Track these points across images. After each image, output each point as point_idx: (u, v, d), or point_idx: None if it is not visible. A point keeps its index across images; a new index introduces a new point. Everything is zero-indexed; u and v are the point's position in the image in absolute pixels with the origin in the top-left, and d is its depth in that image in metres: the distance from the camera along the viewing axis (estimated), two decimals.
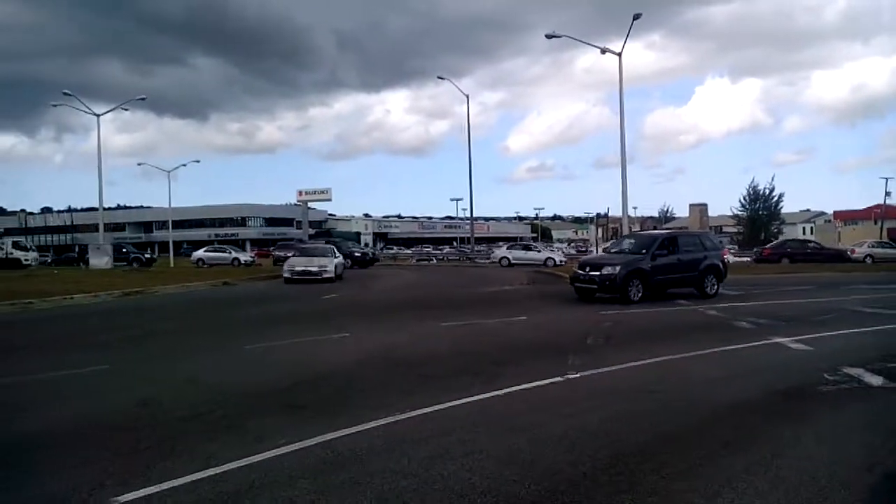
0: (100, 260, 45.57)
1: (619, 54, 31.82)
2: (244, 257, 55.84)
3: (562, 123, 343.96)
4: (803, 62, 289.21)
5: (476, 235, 72.76)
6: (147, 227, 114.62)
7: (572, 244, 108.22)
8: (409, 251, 79.17)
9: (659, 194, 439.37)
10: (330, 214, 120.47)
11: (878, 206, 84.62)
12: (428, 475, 5.03)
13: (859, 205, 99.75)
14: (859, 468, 5.30)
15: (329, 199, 71.26)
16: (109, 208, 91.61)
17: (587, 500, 4.61)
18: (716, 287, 20.31)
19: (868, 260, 43.88)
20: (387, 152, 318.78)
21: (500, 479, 4.95)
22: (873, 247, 47.30)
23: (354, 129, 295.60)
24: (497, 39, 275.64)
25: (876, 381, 8.30)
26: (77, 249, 66.34)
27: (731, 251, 48.00)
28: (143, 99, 54.54)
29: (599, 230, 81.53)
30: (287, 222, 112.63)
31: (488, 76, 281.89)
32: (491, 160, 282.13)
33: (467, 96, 60.86)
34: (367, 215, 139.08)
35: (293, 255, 34.67)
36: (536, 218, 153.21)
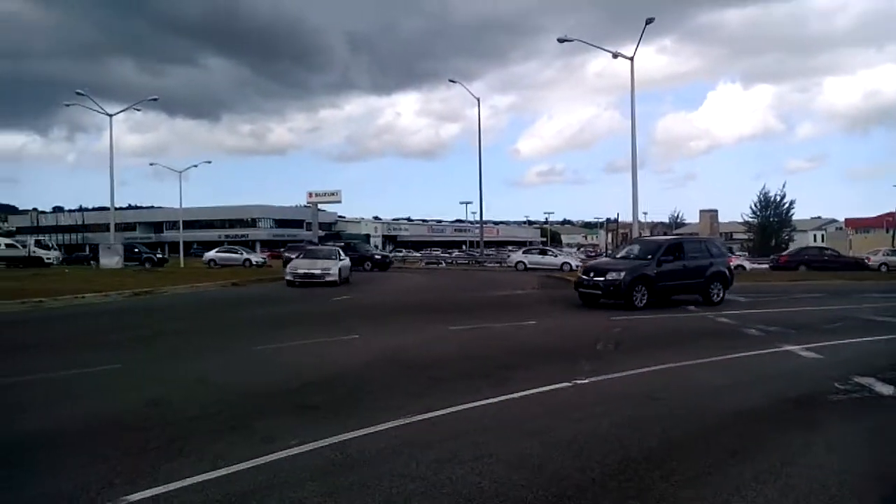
0: (110, 259, 45.79)
1: (631, 59, 31.77)
2: (255, 258, 56.03)
3: (572, 127, 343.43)
4: (816, 68, 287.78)
5: (485, 239, 72.75)
6: (157, 227, 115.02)
7: (581, 249, 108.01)
8: (418, 254, 79.15)
9: (669, 200, 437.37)
10: (340, 216, 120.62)
11: (889, 214, 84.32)
12: (436, 478, 5.03)
13: (871, 213, 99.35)
14: (870, 477, 5.27)
15: (339, 202, 71.75)
16: (120, 208, 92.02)
17: None
18: (721, 294, 20.16)
19: (883, 268, 43.75)
20: (397, 155, 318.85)
21: (508, 483, 4.95)
22: (888, 255, 47.13)
23: (365, 132, 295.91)
24: (508, 43, 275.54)
25: (887, 390, 8.24)
26: (88, 249, 66.74)
27: (742, 257, 47.92)
28: (155, 99, 54.79)
29: (609, 235, 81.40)
30: (297, 224, 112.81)
31: (499, 79, 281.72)
32: (501, 164, 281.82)
33: (478, 99, 61.11)
34: (376, 218, 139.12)
35: (297, 257, 33.79)
36: (546, 222, 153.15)
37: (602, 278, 18.87)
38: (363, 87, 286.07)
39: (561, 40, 33.42)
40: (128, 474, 5.14)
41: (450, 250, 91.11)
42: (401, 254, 74.98)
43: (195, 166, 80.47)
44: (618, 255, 22.69)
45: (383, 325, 15.32)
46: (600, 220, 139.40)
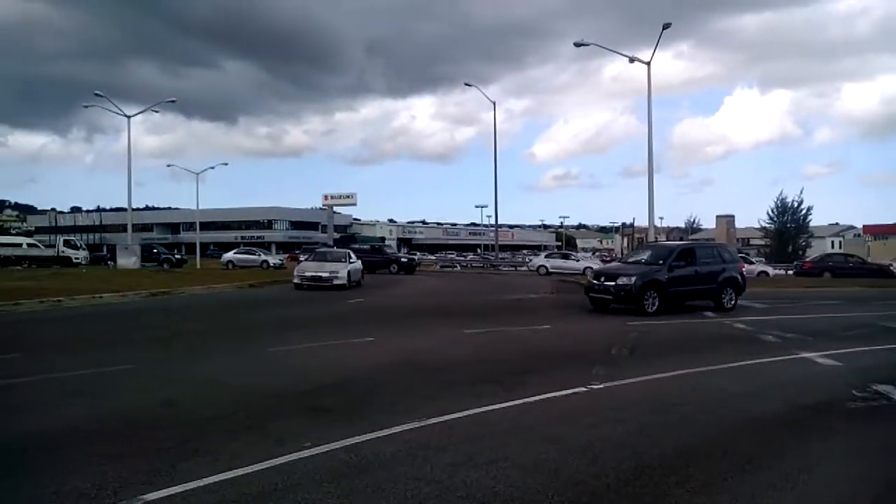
0: (127, 260, 46.09)
1: (648, 63, 31.66)
2: (273, 260, 56.20)
3: (588, 132, 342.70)
4: (835, 74, 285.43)
5: (500, 243, 72.72)
6: (174, 228, 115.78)
7: (597, 253, 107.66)
8: (432, 257, 79.23)
9: (685, 205, 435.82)
10: (355, 219, 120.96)
11: None
12: (451, 482, 5.03)
13: (890, 219, 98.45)
14: (888, 486, 5.23)
15: (354, 204, 72.06)
16: (138, 209, 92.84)
17: None
18: (734, 300, 19.96)
19: None
20: (412, 158, 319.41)
21: (523, 488, 4.94)
22: None
23: (380, 135, 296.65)
24: (524, 47, 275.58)
25: None
26: (105, 249, 67.29)
27: (760, 263, 47.60)
28: (173, 101, 55.00)
29: (625, 240, 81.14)
30: (312, 226, 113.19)
31: (515, 83, 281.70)
32: (516, 168, 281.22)
33: (494, 103, 60.85)
34: (391, 220, 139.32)
35: (305, 260, 33.08)
36: (561, 226, 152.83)
37: (613, 283, 18.70)
38: (379, 90, 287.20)
39: (577, 44, 33.31)
40: (144, 473, 5.18)
41: (464, 253, 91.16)
42: (415, 257, 75.08)
43: (212, 168, 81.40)
44: (629, 261, 22.56)
45: (398, 327, 15.33)
46: (616, 225, 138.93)
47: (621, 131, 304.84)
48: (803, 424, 7.07)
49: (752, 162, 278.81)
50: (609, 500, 4.78)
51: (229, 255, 56.97)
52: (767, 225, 78.69)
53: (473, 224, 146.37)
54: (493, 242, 76.84)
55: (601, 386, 8.64)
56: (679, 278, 18.99)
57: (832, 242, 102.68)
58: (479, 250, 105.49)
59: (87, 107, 53.31)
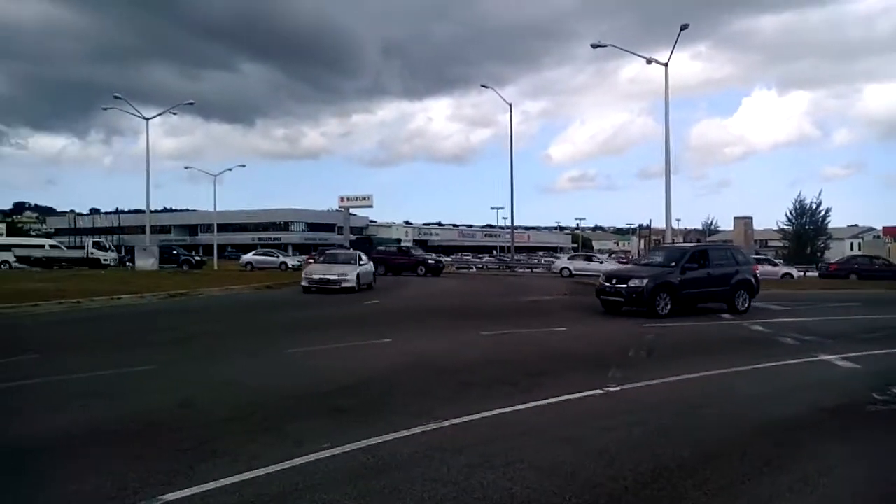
0: (145, 261, 46.43)
1: (666, 65, 31.55)
2: (291, 261, 56.36)
3: (605, 133, 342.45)
4: (854, 74, 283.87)
5: (516, 244, 72.64)
6: (192, 229, 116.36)
7: (613, 255, 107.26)
8: (448, 259, 79.25)
9: (703, 206, 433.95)
10: (371, 221, 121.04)
11: None
12: (468, 484, 5.03)
13: None
14: None
15: (370, 206, 71.89)
16: (156, 211, 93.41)
17: None
18: (747, 303, 19.78)
19: None
20: (428, 160, 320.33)
21: (540, 490, 4.94)
22: None
23: (396, 136, 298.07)
24: (541, 48, 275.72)
25: None
26: (124, 251, 67.76)
27: (780, 264, 47.14)
28: (191, 103, 55.28)
29: (642, 242, 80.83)
30: (329, 228, 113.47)
31: (531, 85, 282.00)
32: (532, 169, 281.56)
33: (510, 105, 60.88)
34: (407, 222, 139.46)
35: (314, 262, 32.25)
36: (577, 228, 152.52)
37: (624, 285, 18.58)
38: (395, 91, 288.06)
39: (595, 46, 33.22)
40: (164, 474, 5.22)
41: (480, 255, 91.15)
42: (441, 259, 75.06)
43: (230, 170, 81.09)
44: (641, 263, 22.41)
45: (414, 329, 15.36)
46: (632, 227, 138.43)
47: (638, 132, 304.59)
48: (822, 427, 7.04)
49: (770, 163, 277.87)
50: (626, 502, 4.77)
51: (248, 256, 57.29)
52: (785, 227, 78.12)
53: (489, 226, 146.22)
54: (508, 244, 76.70)
55: (618, 388, 8.62)
56: (691, 280, 18.85)
57: (851, 244, 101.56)
58: (494, 252, 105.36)
59: (106, 109, 53.85)
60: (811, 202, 75.78)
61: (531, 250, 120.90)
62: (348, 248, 40.23)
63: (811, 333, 14.35)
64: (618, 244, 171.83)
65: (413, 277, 41.66)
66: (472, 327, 15.31)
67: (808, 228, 75.59)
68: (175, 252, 56.75)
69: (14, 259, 48.12)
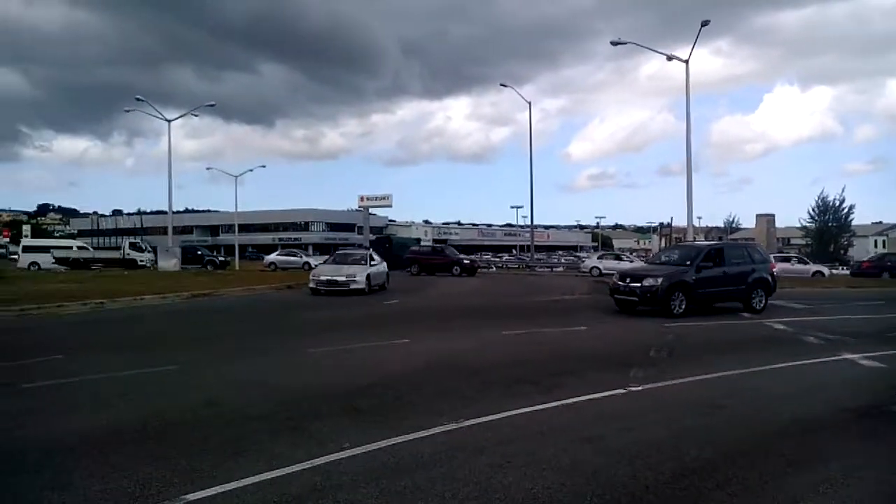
0: (168, 262, 46.77)
1: (686, 61, 31.38)
2: (314, 262, 56.48)
3: (625, 131, 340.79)
4: (878, 69, 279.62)
5: (536, 243, 72.45)
6: (214, 230, 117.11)
7: (634, 254, 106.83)
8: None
9: (724, 204, 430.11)
10: (390, 220, 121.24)
11: None
12: (489, 483, 5.04)
13: None
14: None
15: (389, 206, 71.90)
16: (178, 212, 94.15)
17: None
18: (764, 301, 19.53)
19: None
20: (447, 159, 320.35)
21: (561, 490, 4.94)
22: None
23: (416, 136, 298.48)
24: (560, 46, 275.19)
25: None
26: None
27: (804, 262, 46.56)
28: (212, 105, 55.58)
29: (662, 240, 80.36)
30: (349, 227, 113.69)
31: (550, 83, 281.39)
32: (552, 167, 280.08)
33: (529, 103, 60.55)
34: (426, 222, 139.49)
35: (323, 263, 31.48)
36: (597, 226, 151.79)
37: (638, 285, 18.42)
38: (414, 91, 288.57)
39: (614, 43, 33.11)
40: (187, 473, 5.27)
41: (500, 254, 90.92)
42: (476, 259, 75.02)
43: (250, 171, 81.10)
44: (656, 262, 22.25)
45: (434, 329, 15.39)
46: (653, 225, 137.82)
47: (658, 130, 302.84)
48: (846, 427, 6.98)
49: (793, 160, 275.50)
50: (648, 502, 4.76)
51: (272, 256, 57.60)
52: (808, 224, 77.47)
53: (509, 225, 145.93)
54: (528, 243, 76.57)
55: (640, 388, 8.59)
56: (707, 279, 18.64)
57: (875, 241, 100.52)
58: (514, 251, 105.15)
59: (128, 111, 54.42)
60: (834, 199, 75.23)
61: (551, 249, 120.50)
62: (368, 248, 40.20)
63: (834, 332, 14.22)
64: (638, 242, 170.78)
65: (438, 278, 41.06)
66: (492, 327, 15.31)
67: (831, 226, 74.94)
68: (200, 252, 57.13)
69: (52, 261, 48.77)
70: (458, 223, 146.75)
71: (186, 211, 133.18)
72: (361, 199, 69.87)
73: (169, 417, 7.10)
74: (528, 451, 5.81)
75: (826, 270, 45.49)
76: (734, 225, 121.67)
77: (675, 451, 5.87)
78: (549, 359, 11.12)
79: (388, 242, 61.73)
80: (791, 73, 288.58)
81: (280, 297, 26.78)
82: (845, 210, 75.16)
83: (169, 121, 50.94)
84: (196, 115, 58.16)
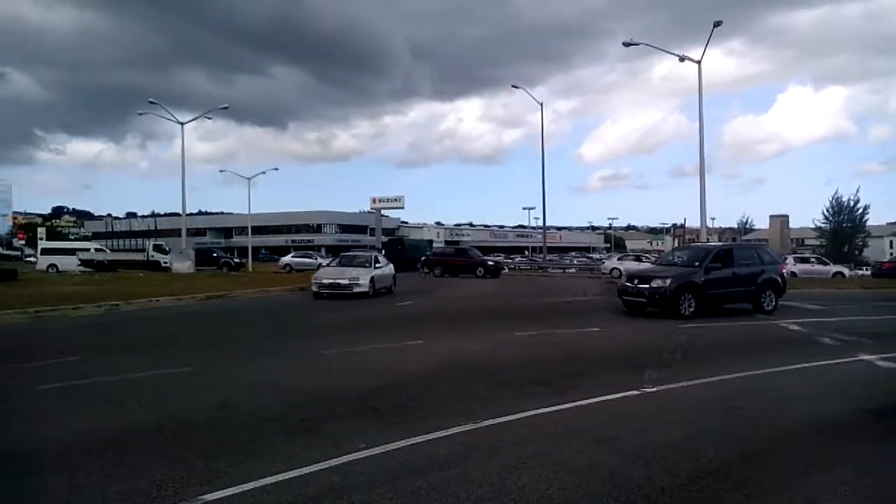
0: (182, 264, 46.90)
1: (699, 62, 31.24)
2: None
3: (637, 132, 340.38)
4: (893, 69, 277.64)
5: (548, 245, 72.36)
6: (227, 232, 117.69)
7: (651, 255, 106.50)
8: None
9: (737, 205, 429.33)
10: (402, 222, 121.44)
11: None
12: (504, 485, 5.04)
13: None
14: None
15: (402, 207, 72.13)
16: (191, 214, 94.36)
17: None
18: (774, 303, 19.38)
19: None
20: (459, 160, 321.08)
21: (576, 491, 4.93)
22: None
23: (427, 138, 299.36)
24: (571, 47, 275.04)
25: None
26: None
27: (826, 263, 46.14)
28: (226, 108, 55.87)
29: (676, 241, 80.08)
30: (361, 229, 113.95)
31: (562, 84, 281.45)
32: (564, 169, 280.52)
33: (541, 104, 60.44)
34: (438, 223, 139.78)
35: (327, 265, 30.93)
36: (610, 228, 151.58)
37: (647, 286, 18.35)
38: (426, 93, 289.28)
39: (626, 44, 33.01)
40: (203, 474, 5.29)
41: (512, 256, 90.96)
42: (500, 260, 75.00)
43: (263, 173, 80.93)
44: (664, 263, 22.17)
45: (448, 330, 15.38)
46: (666, 226, 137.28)
47: (671, 130, 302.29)
48: (864, 428, 6.93)
49: (806, 160, 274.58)
50: None
51: (287, 258, 57.85)
52: (822, 225, 77.03)
53: (521, 226, 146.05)
54: (540, 244, 76.48)
55: (654, 389, 8.56)
56: (716, 280, 18.51)
57: (891, 241, 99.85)
58: (526, 252, 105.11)
59: (141, 114, 54.35)
60: (849, 199, 74.80)
61: (563, 250, 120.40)
62: (376, 250, 40.11)
63: (850, 333, 14.13)
64: (651, 243, 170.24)
65: (458, 280, 40.82)
66: (506, 328, 15.30)
67: (845, 226, 74.49)
68: (215, 255, 57.40)
69: (78, 263, 49.14)
70: (471, 224, 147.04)
71: (200, 213, 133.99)
72: (374, 200, 70.16)
73: (183, 419, 7.12)
74: (542, 453, 5.79)
75: (846, 271, 45.06)
76: (748, 226, 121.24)
77: (690, 453, 5.84)
78: (562, 360, 11.10)
79: (401, 244, 61.86)
80: (804, 73, 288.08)
81: (293, 299, 26.83)
82: (860, 210, 74.83)
83: (182, 123, 51.14)
84: (209, 118, 58.38)
